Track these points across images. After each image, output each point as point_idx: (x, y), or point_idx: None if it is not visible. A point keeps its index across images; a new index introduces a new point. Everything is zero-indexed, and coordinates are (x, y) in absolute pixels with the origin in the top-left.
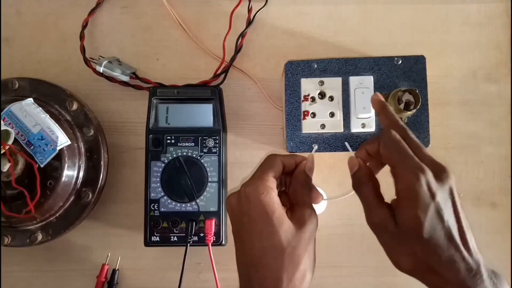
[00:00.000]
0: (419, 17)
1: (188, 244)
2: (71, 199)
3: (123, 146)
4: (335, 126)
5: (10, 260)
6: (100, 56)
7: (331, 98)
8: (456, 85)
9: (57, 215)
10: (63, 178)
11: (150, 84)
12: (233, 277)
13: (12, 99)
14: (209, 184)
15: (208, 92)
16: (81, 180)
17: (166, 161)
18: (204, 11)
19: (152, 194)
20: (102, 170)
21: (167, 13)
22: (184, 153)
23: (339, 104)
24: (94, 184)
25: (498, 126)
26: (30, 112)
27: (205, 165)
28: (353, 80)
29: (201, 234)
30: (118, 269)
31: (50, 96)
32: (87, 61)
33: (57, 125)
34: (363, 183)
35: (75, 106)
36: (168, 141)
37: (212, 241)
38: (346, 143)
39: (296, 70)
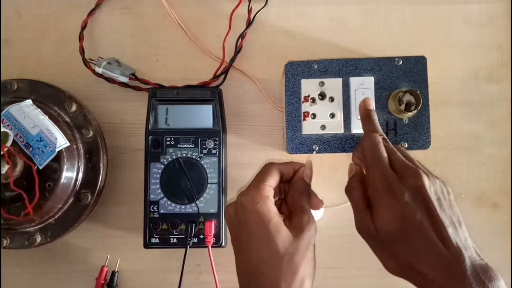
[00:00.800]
0: (420, 17)
1: (188, 246)
2: (70, 201)
3: (123, 148)
4: (336, 127)
5: (9, 262)
6: (99, 57)
7: (332, 99)
8: (457, 86)
9: (56, 217)
10: (62, 180)
11: (150, 85)
12: (233, 279)
13: (11, 100)
14: (208, 185)
15: (207, 93)
16: (80, 182)
17: (165, 162)
18: (204, 12)
19: (152, 196)
20: (101, 172)
21: (166, 14)
22: (184, 155)
23: (339, 105)
24: (93, 185)
25: (500, 127)
26: (29, 113)
27: (205, 166)
28: (354, 81)
29: (201, 236)
30: (117, 271)
31: (49, 98)
32: (86, 62)
33: (56, 126)
34: (353, 188)
35: (74, 108)
36: (168, 142)
37: (212, 243)
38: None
39: (296, 71)
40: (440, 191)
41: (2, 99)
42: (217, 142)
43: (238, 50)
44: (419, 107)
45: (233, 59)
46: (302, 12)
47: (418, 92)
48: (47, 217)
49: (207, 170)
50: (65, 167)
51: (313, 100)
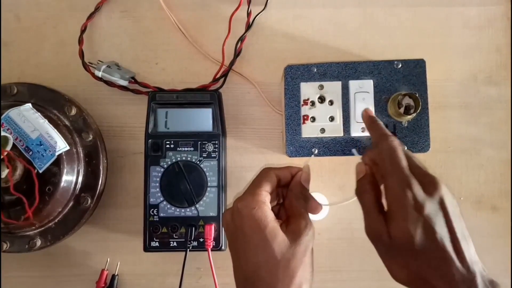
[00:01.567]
0: (419, 20)
1: (188, 249)
2: (70, 204)
3: (122, 151)
4: (335, 130)
5: (9, 266)
6: (99, 60)
7: (331, 102)
8: (457, 89)
9: (56, 220)
10: (62, 184)
11: (149, 88)
12: (233, 282)
13: (11, 104)
14: (208, 189)
15: (207, 96)
16: (80, 186)
17: (165, 166)
18: (203, 15)
19: (152, 199)
20: (101, 175)
21: (166, 17)
22: (184, 158)
23: (339, 108)
24: (93, 189)
25: (499, 130)
26: (28, 117)
27: (205, 169)
28: (353, 84)
29: (201, 239)
30: (117, 275)
31: (49, 101)
32: (86, 66)
33: (55, 130)
34: (365, 190)
35: (74, 111)
36: (167, 145)
37: (211, 246)
38: (354, 150)
39: (296, 74)
40: (454, 203)
41: (2, 103)
42: (216, 146)
43: (237, 53)
44: (418, 110)
45: (232, 62)
46: (301, 15)
47: (417, 95)
48: (47, 221)
49: (207, 174)
50: (65, 170)
51: (313, 103)
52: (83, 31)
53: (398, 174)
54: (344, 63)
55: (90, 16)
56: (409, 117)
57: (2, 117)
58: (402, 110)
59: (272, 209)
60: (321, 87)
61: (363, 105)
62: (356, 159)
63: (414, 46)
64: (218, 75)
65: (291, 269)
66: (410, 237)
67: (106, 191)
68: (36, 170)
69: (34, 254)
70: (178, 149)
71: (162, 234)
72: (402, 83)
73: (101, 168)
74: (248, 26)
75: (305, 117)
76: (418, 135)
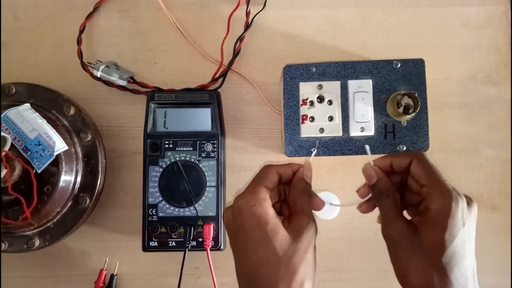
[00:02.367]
0: (418, 20)
1: (187, 249)
2: (69, 204)
3: (121, 151)
4: (334, 130)
5: (7, 266)
6: (97, 60)
7: (330, 102)
8: (456, 88)
9: (54, 220)
10: (61, 184)
11: (148, 88)
12: (232, 282)
13: (9, 104)
14: (207, 188)
15: (206, 96)
16: (78, 185)
17: (164, 165)
18: (202, 15)
19: (150, 199)
20: (99, 175)
21: (165, 17)
22: (182, 158)
23: (338, 108)
24: (91, 189)
25: (498, 129)
26: (27, 117)
27: (204, 169)
28: (352, 83)
29: (200, 239)
30: (116, 274)
31: (47, 101)
32: (84, 66)
33: (54, 130)
34: (386, 196)
35: (72, 111)
36: (166, 145)
37: (210, 246)
38: (367, 146)
39: (295, 74)
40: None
41: (1, 103)
42: (215, 145)
43: (236, 53)
44: (417, 110)
45: (231, 62)
46: (300, 15)
47: (416, 94)
48: (46, 221)
49: (206, 173)
50: (64, 170)
51: (312, 103)
52: (81, 31)
53: (446, 185)
54: (343, 62)
55: (89, 16)
56: (408, 116)
57: (1, 117)
58: (401, 109)
59: (274, 206)
60: (320, 87)
61: (362, 105)
62: (355, 158)
63: (413, 45)
64: (217, 75)
65: (292, 266)
66: (442, 247)
67: (105, 191)
68: (34, 170)
69: (32, 254)
70: (177, 149)
71: (161, 234)
72: (401, 83)
73: (99, 168)
74: (247, 26)
75: (304, 117)
76: (417, 135)
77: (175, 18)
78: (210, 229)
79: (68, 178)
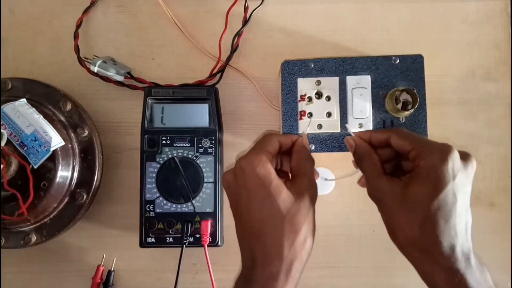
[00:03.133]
0: (417, 15)
1: (184, 245)
2: (66, 200)
3: (118, 147)
4: (332, 126)
5: (4, 261)
6: (94, 55)
7: (328, 98)
8: (455, 84)
9: (51, 216)
10: (57, 179)
11: (145, 84)
12: (230, 278)
13: (5, 99)
14: (205, 184)
15: (204, 92)
16: (75, 181)
17: (161, 161)
18: (200, 10)
19: (148, 195)
20: (96, 171)
21: (162, 12)
22: (180, 154)
23: (336, 104)
24: (88, 185)
25: (497, 126)
26: (23, 112)
27: (201, 165)
28: (350, 79)
29: (197, 235)
30: (113, 270)
31: (44, 97)
32: (81, 61)
33: (50, 125)
34: (364, 157)
35: (69, 107)
36: (164, 141)
37: (208, 242)
38: (347, 125)
39: (293, 69)
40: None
41: None
42: (213, 141)
43: (234, 48)
44: (416, 106)
45: (229, 58)
46: (299, 10)
47: (415, 91)
48: (42, 217)
49: (203, 169)
50: (60, 166)
51: (310, 99)
52: (78, 26)
53: (435, 144)
54: (342, 58)
55: (86, 11)
56: (407, 113)
57: None
58: (399, 106)
59: None
60: (318, 82)
61: (360, 101)
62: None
63: (412, 41)
64: (215, 71)
65: (296, 224)
66: (431, 198)
67: (101, 187)
68: (31, 166)
69: (29, 250)
70: (174, 144)
71: (158, 230)
72: (399, 79)
73: (96, 163)
74: (245, 21)
75: (302, 113)
76: (415, 131)
77: (172, 13)
78: (207, 225)
79: (65, 174)
